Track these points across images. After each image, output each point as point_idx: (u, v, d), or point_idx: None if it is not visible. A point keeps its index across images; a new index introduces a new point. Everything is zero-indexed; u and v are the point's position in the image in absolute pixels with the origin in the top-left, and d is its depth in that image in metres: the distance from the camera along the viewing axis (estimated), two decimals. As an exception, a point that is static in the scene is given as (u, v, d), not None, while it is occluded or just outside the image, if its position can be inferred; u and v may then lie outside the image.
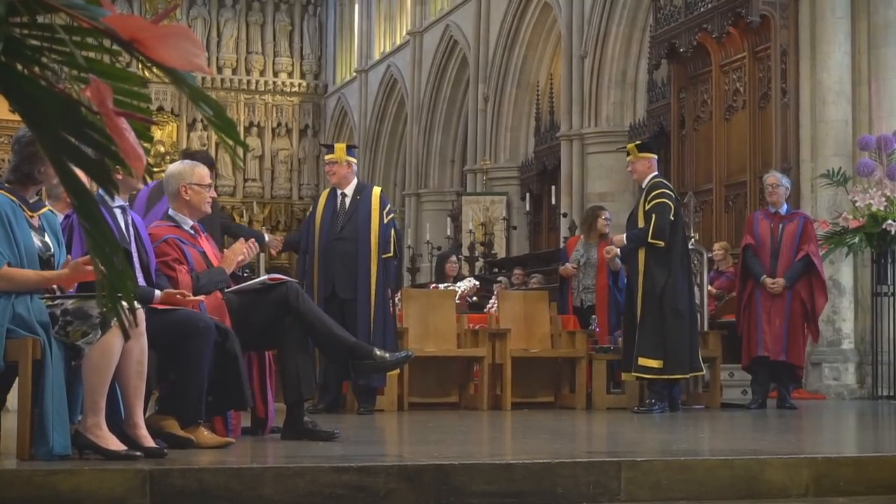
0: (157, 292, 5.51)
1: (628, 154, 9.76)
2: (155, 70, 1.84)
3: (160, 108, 32.69)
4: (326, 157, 9.45)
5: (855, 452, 6.01)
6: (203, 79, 33.40)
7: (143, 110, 1.84)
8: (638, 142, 9.99)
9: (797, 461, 5.10)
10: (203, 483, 4.43)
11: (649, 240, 9.27)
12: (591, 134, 19.28)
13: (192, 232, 6.16)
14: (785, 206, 10.48)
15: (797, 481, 4.99)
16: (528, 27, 22.99)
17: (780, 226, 10.37)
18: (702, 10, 14.49)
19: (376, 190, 9.36)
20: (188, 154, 8.96)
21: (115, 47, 1.82)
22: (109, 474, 4.38)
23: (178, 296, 5.54)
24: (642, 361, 9.18)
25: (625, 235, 9.47)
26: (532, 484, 4.67)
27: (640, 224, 9.38)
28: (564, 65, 20.56)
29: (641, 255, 9.35)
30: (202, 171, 6.20)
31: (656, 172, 9.67)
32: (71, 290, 5.00)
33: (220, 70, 34.24)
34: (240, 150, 1.86)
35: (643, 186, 9.60)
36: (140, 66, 1.84)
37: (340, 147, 9.43)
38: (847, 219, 11.90)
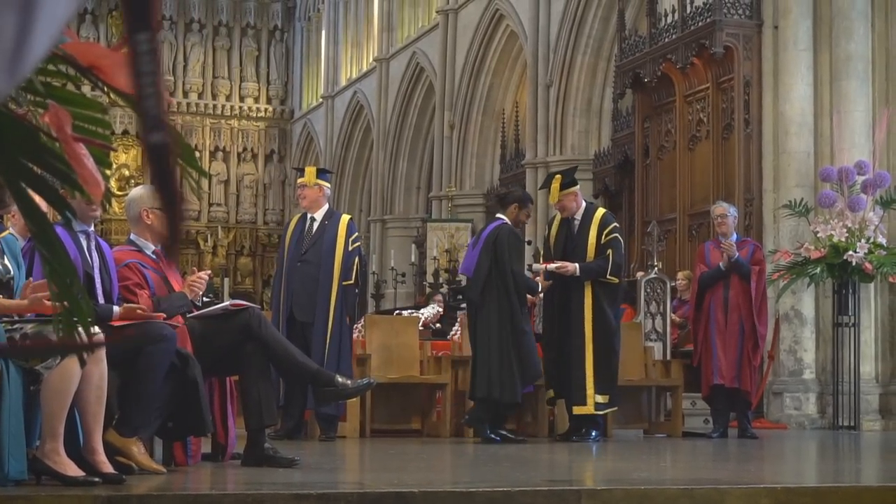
0: (116, 308, 5.48)
1: (548, 191, 9.58)
2: (113, 96, 1.84)
3: (125, 132, 32.57)
4: (299, 180, 9.42)
5: (814, 482, 6.03)
6: (169, 103, 33.31)
7: (102, 136, 1.84)
8: (557, 176, 9.56)
9: (757, 491, 5.12)
10: (161, 510, 4.40)
11: (607, 276, 9.26)
12: (556, 162, 19.33)
13: (154, 257, 6.14)
14: (734, 235, 10.54)
15: (756, 511, 5.00)
16: (495, 55, 23.09)
17: (731, 254, 10.43)
18: (666, 40, 14.58)
19: (345, 217, 9.37)
20: None
21: (74, 73, 1.82)
22: (66, 500, 4.35)
23: (138, 310, 5.51)
24: (599, 399, 9.19)
25: (578, 266, 9.25)
26: (492, 512, 4.67)
27: (590, 255, 9.30)
28: (530, 93, 20.65)
29: (588, 289, 9.31)
30: (164, 196, 6.17)
31: (584, 202, 9.64)
32: (30, 315, 4.97)
33: (186, 94, 34.19)
34: (198, 177, 1.86)
35: (576, 217, 9.46)
36: (107, 92, 1.84)
37: (311, 171, 9.44)
38: (809, 249, 11.99)
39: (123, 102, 1.84)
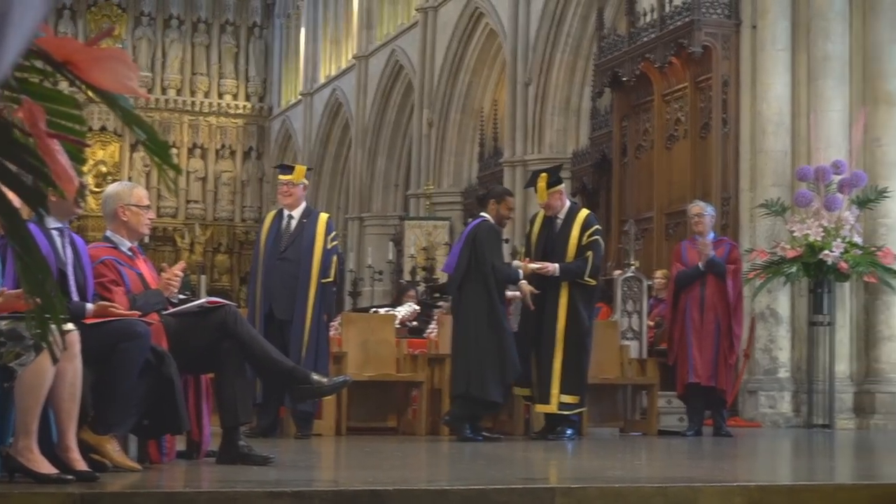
0: (89, 306, 5.46)
1: (535, 189, 9.51)
2: (88, 92, 1.84)
3: (103, 129, 32.49)
4: (283, 177, 9.34)
5: (789, 481, 6.06)
6: (147, 99, 33.26)
7: (76, 132, 1.83)
8: (543, 174, 9.50)
9: (731, 489, 5.14)
10: (136, 507, 4.39)
11: (585, 278, 9.27)
12: (535, 160, 19.36)
13: (130, 253, 6.12)
14: (711, 234, 10.56)
15: (730, 509, 5.02)
16: (474, 54, 23.10)
17: (707, 253, 10.45)
18: (645, 39, 14.61)
19: (324, 216, 9.38)
20: None
21: (49, 69, 1.81)
22: (40, 498, 4.33)
23: (111, 308, 5.49)
24: (564, 399, 9.20)
25: (558, 266, 9.25)
26: (467, 510, 4.67)
27: (570, 255, 9.32)
28: (509, 91, 20.67)
29: (564, 290, 9.30)
30: (140, 193, 6.18)
31: (568, 202, 9.65)
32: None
33: (164, 91, 34.10)
34: (173, 174, 1.86)
35: (559, 216, 9.46)
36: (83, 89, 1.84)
37: (301, 169, 9.48)
38: (785, 248, 12.03)
39: (98, 98, 1.83)
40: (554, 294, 9.26)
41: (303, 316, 8.92)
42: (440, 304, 13.76)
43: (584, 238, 9.29)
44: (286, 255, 9.04)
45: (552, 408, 9.21)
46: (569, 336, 9.21)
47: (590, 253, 9.26)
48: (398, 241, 23.31)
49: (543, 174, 9.51)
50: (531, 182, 9.67)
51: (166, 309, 6.11)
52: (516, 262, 9.72)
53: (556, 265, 9.21)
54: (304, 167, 9.66)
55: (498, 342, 9.00)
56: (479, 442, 8.72)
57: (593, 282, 9.38)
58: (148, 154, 1.90)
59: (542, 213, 9.61)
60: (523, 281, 9.26)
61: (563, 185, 9.63)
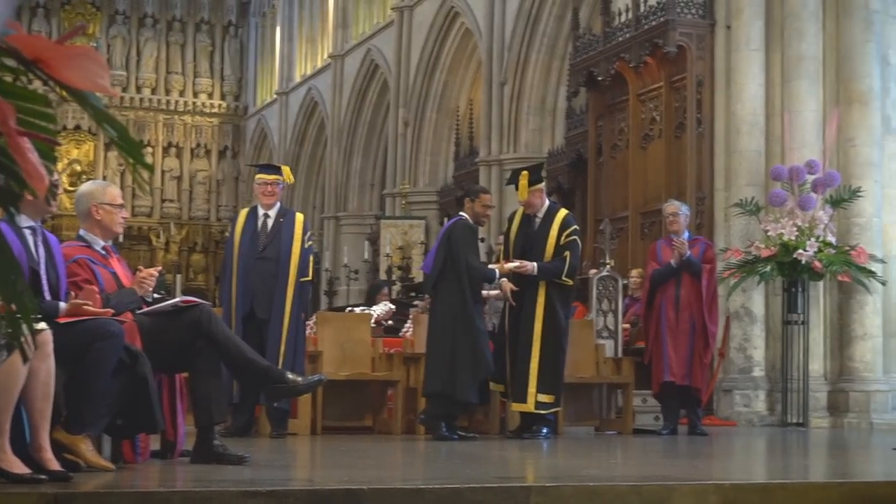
0: (62, 304, 5.44)
1: (517, 188, 9.49)
2: (58, 90, 1.83)
3: (77, 128, 32.37)
4: (268, 177, 9.34)
5: (763, 479, 6.08)
6: (122, 98, 33.14)
7: (47, 130, 1.83)
8: (524, 172, 9.47)
9: (705, 487, 5.15)
10: (109, 507, 4.38)
11: (563, 278, 9.29)
12: (510, 160, 19.40)
13: (104, 252, 6.10)
14: (686, 233, 10.59)
15: (704, 507, 5.04)
16: (449, 53, 23.11)
17: (682, 252, 10.48)
18: (620, 39, 14.64)
19: (300, 216, 9.41)
20: None
21: (19, 67, 1.81)
22: (12, 498, 4.31)
23: (84, 307, 5.47)
24: (541, 398, 9.21)
25: (536, 265, 9.25)
26: (442, 509, 4.67)
27: (548, 255, 9.33)
28: (484, 91, 20.69)
29: (542, 289, 9.32)
30: (114, 191, 6.15)
31: (547, 201, 9.66)
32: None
33: (139, 90, 33.99)
34: (145, 172, 1.85)
35: (538, 215, 9.48)
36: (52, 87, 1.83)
37: (287, 169, 9.57)
38: (759, 248, 12.08)
39: (69, 96, 1.83)
40: (532, 293, 9.27)
41: (281, 315, 8.93)
42: (416, 303, 13.76)
43: (563, 238, 9.31)
44: (265, 254, 9.05)
45: (529, 407, 9.23)
46: (546, 335, 9.22)
47: (568, 253, 9.28)
48: (374, 241, 23.31)
49: (524, 172, 9.52)
50: (512, 180, 9.67)
51: (140, 308, 6.09)
52: (492, 266, 9.70)
53: (535, 264, 9.22)
54: (288, 168, 9.77)
55: (471, 341, 9.00)
56: (454, 441, 8.72)
57: (570, 282, 9.40)
58: (119, 152, 1.90)
59: (520, 211, 9.62)
60: (504, 279, 9.26)
61: (543, 184, 9.65)
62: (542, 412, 9.26)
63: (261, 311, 8.96)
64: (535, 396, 9.19)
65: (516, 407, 9.36)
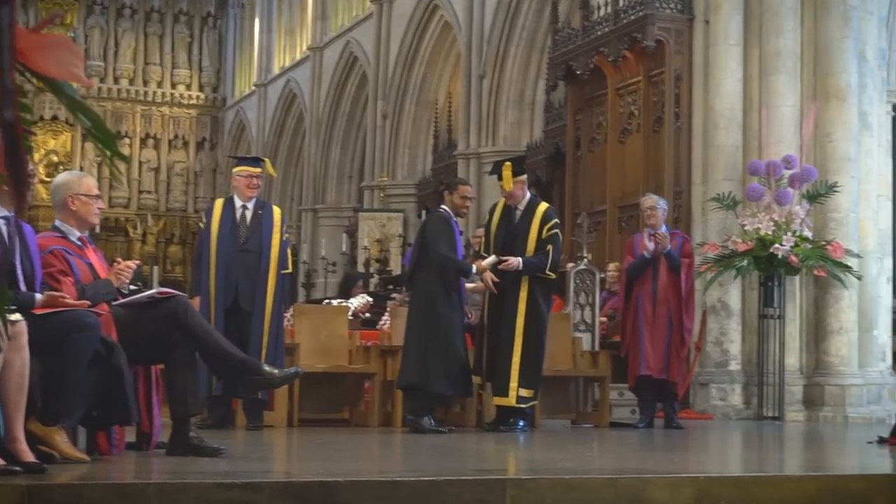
0: (38, 296, 5.42)
1: (500, 178, 9.47)
2: (34, 80, 1.82)
3: (54, 118, 32.23)
4: (255, 170, 9.30)
5: (737, 472, 6.11)
6: (99, 89, 33.01)
7: (23, 121, 1.81)
8: (507, 163, 9.50)
9: (680, 480, 5.17)
10: (83, 499, 4.36)
11: (546, 272, 9.30)
12: (489, 153, 19.41)
13: (80, 243, 6.07)
14: (664, 227, 10.61)
15: (680, 500, 5.05)
16: (429, 45, 23.09)
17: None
18: (599, 33, 14.65)
19: (278, 209, 9.39)
20: None
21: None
22: (-14, 489, 4.29)
23: (60, 298, 5.45)
24: (521, 392, 9.22)
25: (520, 260, 9.26)
26: (417, 501, 4.67)
27: (530, 249, 9.33)
28: (463, 84, 20.69)
29: (524, 283, 9.32)
30: (90, 182, 6.13)
31: (528, 194, 9.67)
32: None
33: (116, 80, 33.87)
34: (120, 162, 1.84)
35: (519, 207, 9.49)
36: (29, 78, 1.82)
37: (269, 162, 9.59)
38: (736, 242, 12.12)
39: (42, 85, 1.82)
40: (514, 288, 9.27)
41: (263, 307, 8.93)
42: (393, 295, 13.75)
43: (544, 232, 9.32)
44: (248, 246, 9.03)
45: (510, 401, 9.24)
46: (528, 330, 9.23)
47: (550, 247, 9.29)
48: (352, 233, 23.29)
49: (508, 163, 9.54)
50: (495, 170, 9.66)
51: (116, 299, 6.07)
52: (475, 265, 9.58)
53: (519, 259, 9.22)
54: (269, 160, 9.82)
55: (444, 334, 8.98)
56: (443, 434, 8.68)
57: (553, 276, 9.43)
58: (93, 142, 1.89)
59: (501, 203, 9.62)
60: (488, 272, 9.25)
61: (525, 176, 9.67)
62: (522, 406, 9.28)
63: (245, 303, 8.95)
64: (516, 391, 9.21)
65: (497, 401, 9.35)
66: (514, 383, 9.20)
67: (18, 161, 1.42)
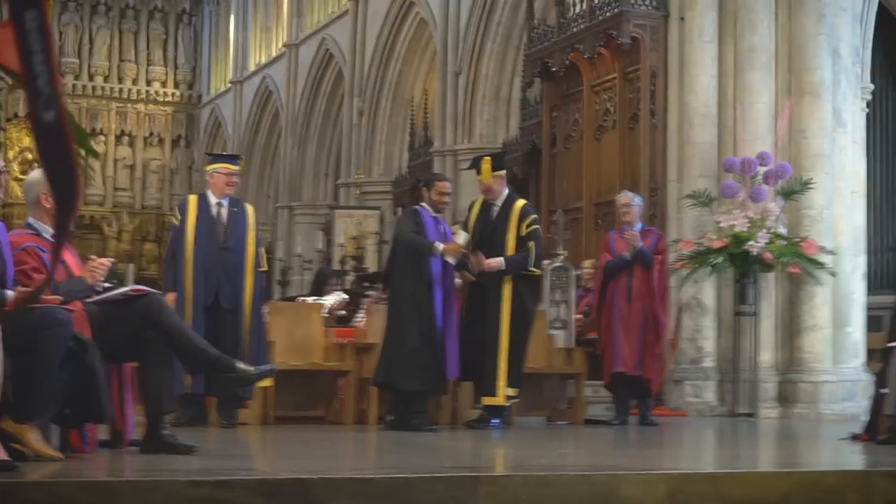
0: (9, 293, 5.39)
1: (479, 172, 9.49)
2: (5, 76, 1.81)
3: (29, 115, 32.04)
4: (235, 167, 9.25)
5: (711, 468, 6.12)
6: (74, 85, 32.87)
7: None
8: (487, 158, 9.56)
9: (653, 477, 5.18)
10: (56, 497, 4.34)
11: (530, 268, 9.30)
12: (465, 150, 19.41)
13: (53, 241, 6.04)
14: (639, 224, 10.63)
15: (653, 497, 5.06)
16: (404, 42, 23.07)
17: (635, 243, 10.52)
18: (574, 30, 14.67)
19: (251, 207, 9.39)
20: None
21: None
22: (-42, 487, 4.27)
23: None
24: (510, 391, 9.23)
25: (502, 260, 9.24)
26: (391, 498, 4.67)
27: (510, 247, 9.32)
28: (439, 81, 20.68)
29: (508, 282, 9.30)
30: (63, 179, 6.09)
31: (506, 190, 9.66)
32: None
33: (91, 78, 33.73)
34: (92, 158, 1.83)
35: (496, 203, 9.50)
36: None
37: (242, 160, 9.58)
38: (711, 239, 12.15)
39: (11, 80, 1.81)
40: (497, 286, 9.26)
41: (244, 305, 8.92)
42: (369, 293, 13.74)
43: (523, 228, 9.32)
44: (228, 244, 9.01)
45: (500, 400, 9.24)
46: (514, 329, 9.23)
47: (531, 243, 9.29)
48: (328, 231, 23.25)
49: (487, 158, 9.57)
50: (474, 164, 9.67)
51: (90, 297, 6.04)
52: (441, 244, 9.39)
53: (501, 260, 9.21)
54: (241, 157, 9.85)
55: (413, 331, 8.93)
56: (433, 432, 8.65)
57: (538, 271, 9.45)
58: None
59: (480, 200, 9.62)
60: (461, 274, 9.25)
61: (504, 172, 9.67)
62: (507, 403, 9.32)
63: (227, 302, 8.92)
64: (504, 390, 9.21)
65: (487, 400, 9.33)
66: (502, 382, 9.20)
67: (67, 172, 1.36)
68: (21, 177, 28.01)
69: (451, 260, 9.09)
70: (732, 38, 12.95)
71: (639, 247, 10.30)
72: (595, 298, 10.92)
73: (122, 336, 5.96)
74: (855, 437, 8.33)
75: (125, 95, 34.09)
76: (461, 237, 9.23)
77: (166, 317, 6.01)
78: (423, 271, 9.03)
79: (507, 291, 9.25)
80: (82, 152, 1.82)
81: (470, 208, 9.81)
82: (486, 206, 9.50)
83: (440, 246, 9.06)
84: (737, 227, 12.01)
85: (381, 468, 5.90)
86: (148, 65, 34.52)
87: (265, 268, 9.24)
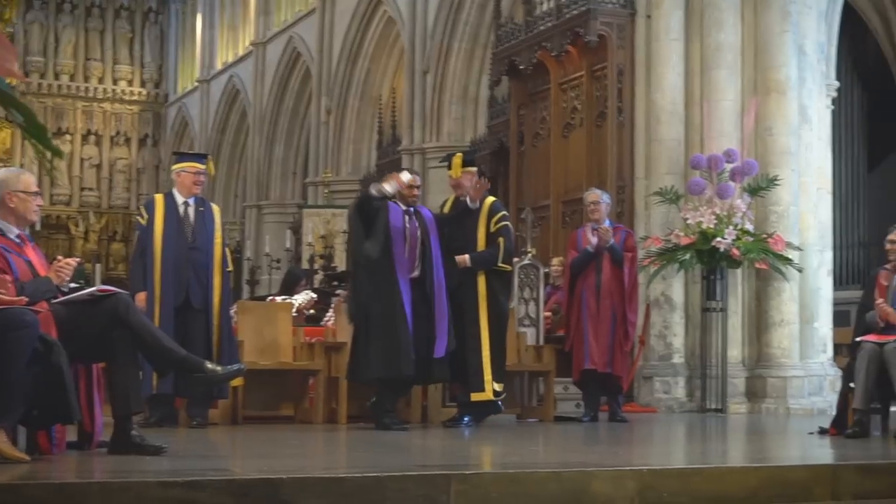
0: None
1: (449, 167, 9.52)
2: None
3: (-7, 114, 31.86)
4: (202, 166, 9.20)
5: (680, 464, 6.14)
6: (39, 84, 32.68)
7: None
8: (458, 154, 9.66)
9: (623, 473, 5.19)
10: (24, 499, 4.31)
11: (499, 264, 9.31)
12: (433, 148, 19.42)
13: (18, 241, 6.00)
14: (607, 222, 10.65)
15: (623, 493, 5.08)
16: (372, 41, 23.05)
17: (603, 241, 10.54)
18: (541, 28, 14.68)
19: (217, 207, 9.36)
20: None
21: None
22: (-76, 490, 4.24)
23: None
24: (496, 386, 9.23)
25: (468, 256, 9.23)
26: (362, 498, 4.66)
27: (481, 243, 9.33)
28: (407, 79, 20.67)
29: (481, 279, 9.32)
30: (28, 179, 6.05)
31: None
32: None
33: (57, 76, 33.55)
34: (53, 157, 1.83)
35: (464, 198, 9.49)
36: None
37: (210, 160, 9.54)
38: (678, 236, 12.19)
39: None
40: (471, 283, 9.26)
41: (213, 305, 8.90)
42: (338, 292, 13.72)
43: (493, 225, 9.33)
44: (196, 244, 8.98)
45: (488, 395, 9.23)
46: (492, 323, 9.24)
47: (501, 239, 9.30)
48: (296, 230, 23.19)
49: (459, 154, 9.66)
50: (445, 160, 9.72)
51: (56, 297, 6.00)
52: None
53: (467, 256, 9.21)
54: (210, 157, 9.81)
55: (371, 323, 8.86)
56: (405, 431, 8.62)
57: (509, 267, 9.47)
58: (25, 137, 1.87)
59: (452, 198, 9.63)
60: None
61: (475, 169, 9.69)
62: (498, 399, 9.32)
63: (197, 302, 8.89)
64: (491, 384, 9.21)
65: (476, 397, 9.31)
66: (488, 377, 9.20)
67: None
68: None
69: (388, 188, 8.95)
70: (699, 35, 12.99)
71: (611, 242, 10.33)
72: (564, 296, 10.94)
73: (88, 336, 5.92)
74: (823, 432, 8.38)
75: (91, 94, 33.93)
76: (404, 175, 9.15)
77: (133, 316, 5.98)
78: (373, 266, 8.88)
79: (481, 288, 9.25)
80: (45, 151, 1.80)
81: (441, 207, 9.82)
82: (458, 204, 9.50)
83: (374, 187, 8.97)
84: (704, 224, 12.05)
85: (351, 467, 5.89)
86: (114, 63, 34.37)
87: (231, 268, 9.23)
